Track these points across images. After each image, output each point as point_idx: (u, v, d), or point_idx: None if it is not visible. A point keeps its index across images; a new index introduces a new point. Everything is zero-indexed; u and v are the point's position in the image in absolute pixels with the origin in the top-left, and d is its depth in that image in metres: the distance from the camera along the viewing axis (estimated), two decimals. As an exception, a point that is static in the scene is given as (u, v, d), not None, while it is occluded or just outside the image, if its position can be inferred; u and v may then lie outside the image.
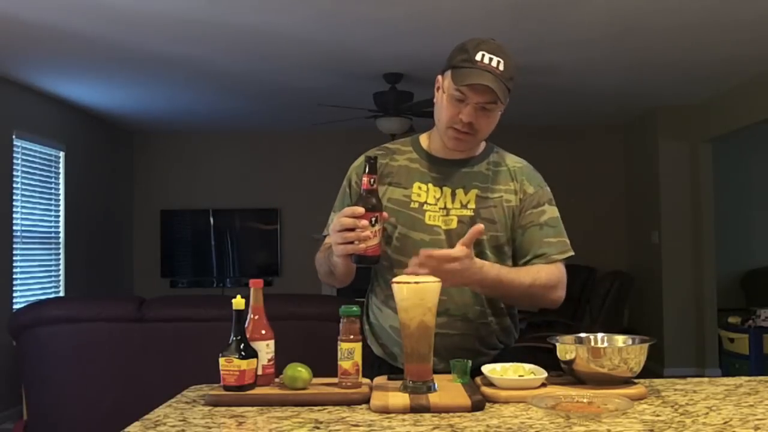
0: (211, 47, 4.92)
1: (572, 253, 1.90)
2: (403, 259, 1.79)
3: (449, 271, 1.61)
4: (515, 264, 1.86)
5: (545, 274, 1.82)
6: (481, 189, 1.84)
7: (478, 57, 1.74)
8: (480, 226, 1.67)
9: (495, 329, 1.86)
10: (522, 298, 1.83)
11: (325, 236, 1.89)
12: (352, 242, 1.62)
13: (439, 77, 1.84)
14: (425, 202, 1.83)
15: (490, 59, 1.74)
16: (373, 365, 1.85)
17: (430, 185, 1.85)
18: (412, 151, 1.91)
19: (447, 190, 1.84)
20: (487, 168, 1.88)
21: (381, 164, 1.87)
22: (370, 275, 1.95)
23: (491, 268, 1.73)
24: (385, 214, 1.68)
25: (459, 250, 1.63)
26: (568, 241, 1.90)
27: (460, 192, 1.84)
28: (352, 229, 1.61)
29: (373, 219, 1.62)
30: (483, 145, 1.92)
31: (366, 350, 1.90)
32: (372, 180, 1.65)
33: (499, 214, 1.83)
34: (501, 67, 1.74)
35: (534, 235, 1.85)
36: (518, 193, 1.87)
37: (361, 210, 1.61)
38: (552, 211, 1.89)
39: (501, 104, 1.78)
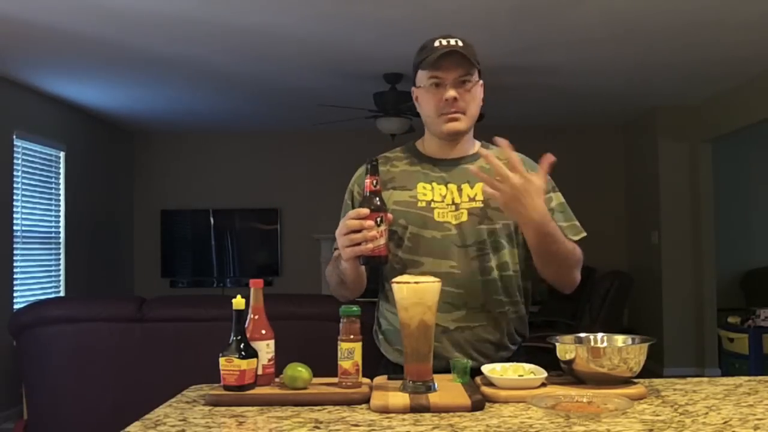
0: (211, 47, 4.92)
1: (585, 233, 1.92)
2: (415, 258, 1.81)
3: (524, 188, 1.63)
4: (529, 252, 1.85)
5: (577, 250, 1.83)
6: (487, 181, 1.85)
7: (436, 43, 1.82)
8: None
9: (512, 318, 1.87)
10: (559, 263, 1.80)
11: (335, 249, 1.89)
12: (358, 244, 1.63)
13: (414, 89, 1.90)
14: (432, 200, 1.85)
15: (448, 41, 1.82)
16: (387, 369, 1.84)
17: (434, 184, 1.87)
18: (411, 157, 1.94)
19: (452, 187, 1.86)
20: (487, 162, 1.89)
21: (381, 171, 1.88)
22: (378, 279, 1.94)
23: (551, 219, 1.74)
24: (389, 215, 1.70)
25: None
26: (577, 223, 1.93)
27: (465, 186, 1.86)
28: (358, 231, 1.63)
29: (378, 219, 1.63)
30: (477, 144, 1.95)
31: (376, 354, 1.90)
32: (375, 181, 1.67)
33: None
34: (460, 44, 1.82)
35: None
36: None
37: (365, 211, 1.63)
38: (558, 197, 1.92)
39: (476, 73, 1.83)
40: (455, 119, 1.84)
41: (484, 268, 1.82)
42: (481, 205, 1.84)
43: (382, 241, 1.64)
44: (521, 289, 1.90)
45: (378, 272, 1.91)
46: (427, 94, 1.85)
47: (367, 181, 1.67)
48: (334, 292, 1.93)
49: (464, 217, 1.83)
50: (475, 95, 1.86)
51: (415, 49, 1.87)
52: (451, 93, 1.80)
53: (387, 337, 1.90)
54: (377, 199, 1.66)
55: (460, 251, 1.81)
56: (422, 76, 1.84)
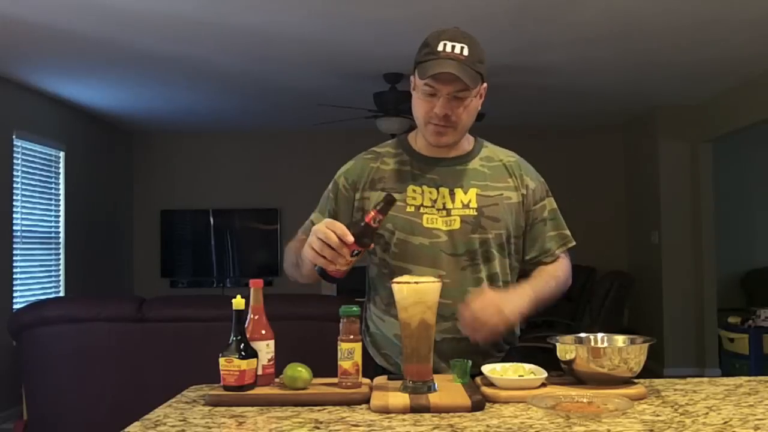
0: (211, 47, 4.92)
1: (573, 243, 1.94)
2: (403, 265, 1.77)
3: (492, 312, 1.67)
4: (522, 259, 1.89)
5: (561, 272, 1.89)
6: (480, 187, 1.82)
7: (440, 47, 1.71)
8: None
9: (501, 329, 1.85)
10: (549, 300, 1.89)
11: (308, 222, 1.88)
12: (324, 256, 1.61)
13: (412, 77, 1.80)
14: (421, 205, 1.79)
15: (453, 47, 1.70)
16: (375, 372, 1.81)
17: (425, 187, 1.81)
18: (402, 153, 1.87)
19: (444, 191, 1.81)
20: (481, 164, 1.86)
21: (371, 167, 1.85)
22: (365, 281, 1.92)
23: (529, 290, 1.80)
24: (372, 246, 1.68)
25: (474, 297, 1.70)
26: (567, 232, 1.93)
27: (459, 191, 1.81)
28: (332, 247, 1.58)
29: (356, 252, 1.60)
30: (472, 141, 1.90)
31: (366, 358, 1.89)
32: (378, 219, 1.62)
33: (501, 211, 1.81)
34: (465, 53, 1.70)
35: (538, 231, 1.88)
36: (519, 188, 1.85)
37: (351, 239, 1.57)
38: (550, 203, 1.91)
39: (473, 90, 1.74)
40: (442, 133, 1.78)
41: (474, 278, 1.79)
42: (475, 213, 1.79)
43: (346, 268, 1.62)
44: None
45: (365, 275, 1.88)
46: (419, 100, 1.78)
47: (372, 213, 1.62)
48: (286, 269, 1.89)
49: (456, 225, 1.78)
50: (471, 108, 1.78)
51: (415, 49, 1.81)
52: (442, 110, 1.73)
53: (374, 340, 1.88)
54: (369, 234, 1.62)
55: (450, 260, 1.77)
56: (417, 79, 1.76)
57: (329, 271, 1.62)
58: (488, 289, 1.73)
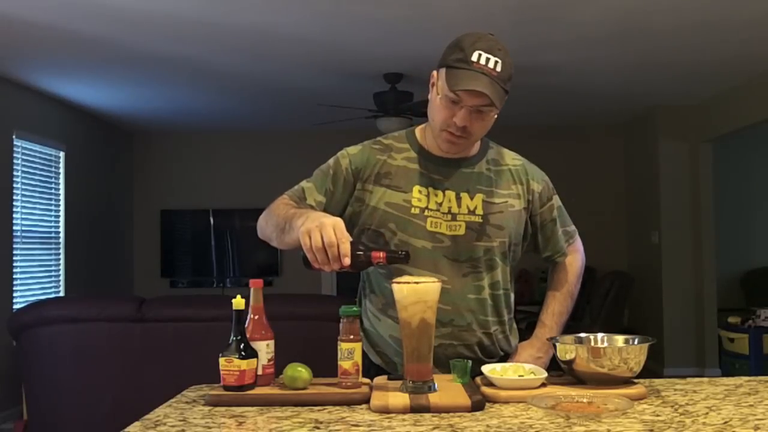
0: (211, 47, 4.92)
1: (576, 232, 1.99)
2: (403, 267, 1.71)
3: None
4: (541, 255, 1.95)
5: (571, 276, 1.95)
6: (486, 193, 1.79)
7: (474, 57, 1.63)
8: None
9: (499, 338, 1.84)
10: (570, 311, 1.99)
11: (299, 190, 1.84)
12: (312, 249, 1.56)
13: (435, 73, 1.74)
14: (426, 208, 1.76)
15: (487, 59, 1.63)
16: (369, 370, 1.77)
17: (431, 189, 1.77)
18: (409, 149, 1.83)
19: (450, 194, 1.77)
20: (488, 168, 1.83)
21: (378, 159, 1.81)
22: (360, 277, 1.90)
23: (549, 330, 1.89)
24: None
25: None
26: (570, 227, 1.96)
27: (465, 196, 1.78)
28: (326, 252, 1.53)
29: (343, 269, 1.59)
30: (478, 143, 1.86)
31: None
32: (381, 264, 1.61)
33: (505, 219, 1.80)
34: (498, 68, 1.64)
35: (550, 231, 1.90)
36: (525, 194, 1.84)
37: (348, 262, 1.54)
38: (556, 201, 1.93)
39: (496, 108, 1.69)
40: (455, 143, 1.74)
41: (475, 286, 1.77)
42: (481, 220, 1.77)
43: (327, 272, 1.64)
44: (510, 306, 1.88)
45: (359, 274, 1.85)
46: (440, 104, 1.71)
47: (381, 255, 1.58)
48: (263, 228, 1.81)
49: (462, 230, 1.75)
50: (488, 120, 1.72)
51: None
52: (462, 121, 1.68)
53: (369, 338, 1.85)
54: (363, 268, 1.65)
55: (452, 265, 1.75)
56: (443, 81, 1.68)
57: (310, 262, 1.61)
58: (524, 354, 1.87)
